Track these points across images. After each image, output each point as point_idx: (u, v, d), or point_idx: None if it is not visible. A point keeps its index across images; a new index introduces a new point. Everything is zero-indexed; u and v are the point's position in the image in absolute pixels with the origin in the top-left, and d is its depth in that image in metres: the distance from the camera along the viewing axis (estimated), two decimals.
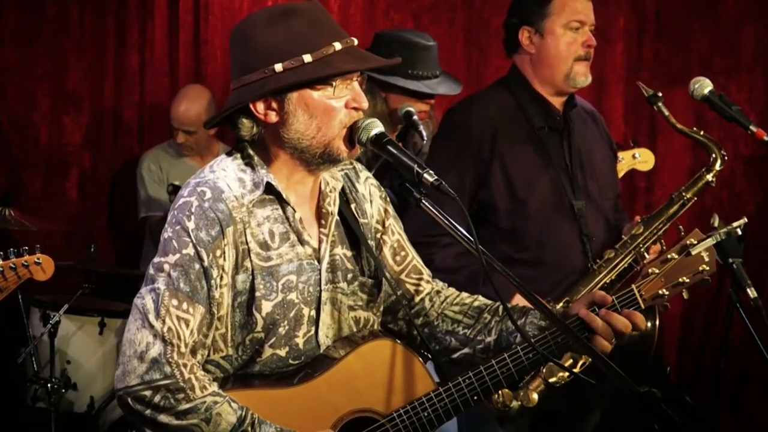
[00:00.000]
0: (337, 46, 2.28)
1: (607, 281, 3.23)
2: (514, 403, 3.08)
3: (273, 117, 2.30)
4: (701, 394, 5.46)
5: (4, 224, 4.38)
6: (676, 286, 2.47)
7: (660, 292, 2.46)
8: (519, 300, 2.93)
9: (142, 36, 5.37)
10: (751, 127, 3.25)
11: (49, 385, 4.32)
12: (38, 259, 3.37)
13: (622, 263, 3.25)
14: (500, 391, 3.02)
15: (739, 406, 5.57)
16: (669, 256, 2.47)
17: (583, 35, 3.31)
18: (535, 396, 3.09)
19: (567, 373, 3.09)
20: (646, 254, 3.27)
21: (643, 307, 2.44)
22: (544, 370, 3.09)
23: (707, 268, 2.48)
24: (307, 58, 2.25)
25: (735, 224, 2.64)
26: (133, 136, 5.44)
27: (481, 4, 5.61)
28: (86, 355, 4.51)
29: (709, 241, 2.48)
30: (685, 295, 2.51)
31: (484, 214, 3.26)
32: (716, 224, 3.85)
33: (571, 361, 3.07)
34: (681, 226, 2.57)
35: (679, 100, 5.16)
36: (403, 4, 5.58)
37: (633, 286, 2.45)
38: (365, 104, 2.33)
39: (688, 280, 2.48)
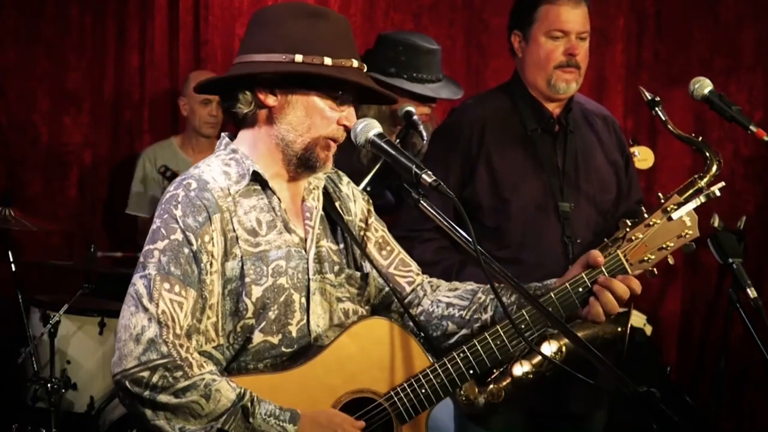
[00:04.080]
0: (355, 63, 2.37)
1: None
2: (480, 399, 3.09)
3: (271, 101, 2.37)
4: (701, 394, 5.46)
5: (4, 224, 4.38)
6: (661, 250, 2.50)
7: (645, 257, 2.49)
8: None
9: (142, 36, 5.38)
10: (751, 127, 3.25)
11: (49, 385, 4.32)
12: None
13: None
14: (464, 384, 3.04)
15: (738, 406, 5.57)
16: (651, 222, 2.49)
17: (566, 44, 3.30)
18: (502, 392, 3.10)
19: (532, 371, 3.11)
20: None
21: (630, 271, 2.48)
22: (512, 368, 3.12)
23: (690, 232, 2.52)
24: (328, 61, 2.34)
25: (714, 188, 2.65)
26: (133, 136, 5.44)
27: (481, 4, 5.61)
28: (86, 355, 4.50)
29: (690, 205, 2.52)
30: (671, 261, 2.53)
31: (468, 211, 3.27)
32: (716, 224, 3.84)
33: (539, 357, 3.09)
34: (660, 194, 2.58)
35: (679, 100, 5.17)
36: (403, 4, 5.58)
37: (618, 252, 2.47)
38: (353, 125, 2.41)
39: (672, 245, 2.51)
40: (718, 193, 2.62)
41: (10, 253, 4.46)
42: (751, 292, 3.35)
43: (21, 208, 4.56)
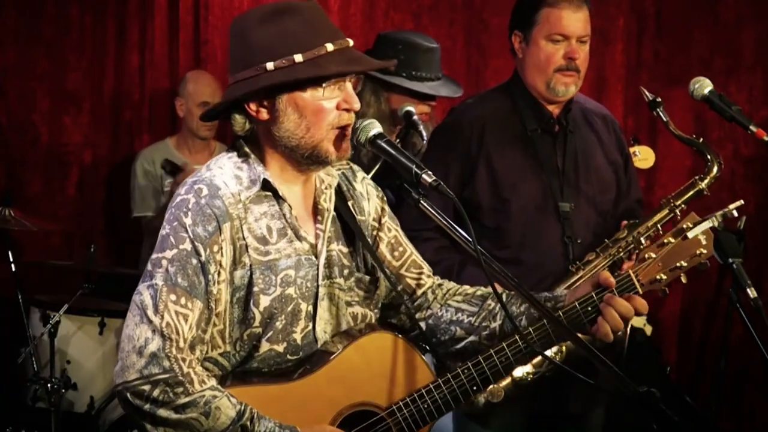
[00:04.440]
0: (329, 47, 2.29)
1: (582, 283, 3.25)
2: (480, 398, 3.09)
3: (264, 114, 2.33)
4: (701, 394, 5.46)
5: (4, 224, 4.38)
6: (674, 270, 2.46)
7: (657, 276, 2.45)
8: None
9: (142, 36, 5.37)
10: (751, 127, 3.25)
11: (49, 385, 4.32)
12: None
13: (601, 265, 3.26)
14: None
15: (738, 406, 5.56)
16: (666, 240, 2.46)
17: (566, 47, 3.29)
18: (501, 392, 3.10)
19: (532, 372, 3.11)
20: (627, 258, 3.29)
21: (641, 291, 2.44)
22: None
23: (704, 251, 2.47)
24: (298, 58, 2.27)
25: (731, 206, 2.62)
26: (133, 136, 5.44)
27: (481, 4, 5.61)
28: (86, 355, 4.50)
29: (706, 224, 2.47)
30: (684, 280, 2.49)
31: (468, 211, 3.26)
32: (716, 224, 3.84)
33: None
34: (678, 211, 2.55)
35: (679, 100, 5.16)
36: (403, 4, 5.58)
37: (630, 271, 2.44)
38: (357, 105, 2.34)
39: (685, 264, 2.46)
40: (735, 213, 2.60)
41: (10, 253, 4.46)
42: (751, 292, 3.35)
43: (21, 208, 4.56)
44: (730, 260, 3.42)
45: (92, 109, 5.35)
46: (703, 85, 3.32)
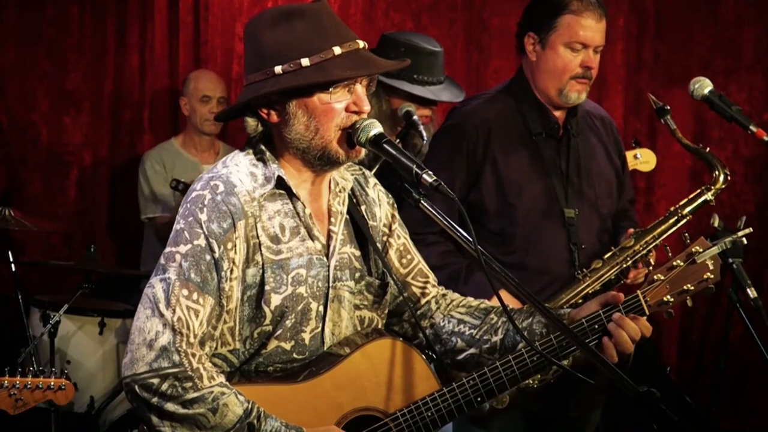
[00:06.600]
0: (337, 50, 2.29)
1: (590, 291, 3.23)
2: (485, 404, 3.08)
3: (275, 117, 2.34)
4: (701, 394, 5.46)
5: (4, 224, 4.38)
6: (681, 293, 2.48)
7: (665, 298, 2.47)
8: (495, 302, 2.96)
9: (142, 36, 5.38)
10: (751, 127, 3.25)
11: None
12: (63, 384, 3.39)
13: (608, 274, 3.25)
14: None
15: (739, 406, 5.57)
16: (674, 263, 2.47)
17: (584, 56, 3.27)
18: (506, 398, 3.08)
19: (538, 379, 3.10)
20: (633, 267, 3.28)
21: (647, 313, 2.46)
22: None
23: (712, 276, 2.49)
24: (305, 62, 2.27)
25: (741, 233, 2.64)
26: (133, 136, 5.44)
27: (481, 4, 5.61)
28: (86, 355, 4.50)
29: (715, 249, 2.49)
30: (689, 303, 2.50)
31: (473, 215, 3.25)
32: (716, 224, 3.84)
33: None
34: (687, 234, 2.56)
35: (679, 100, 5.16)
36: (403, 4, 5.58)
37: (638, 292, 2.45)
38: (367, 107, 2.34)
39: (693, 288, 2.48)
40: (744, 241, 2.62)
41: (10, 253, 4.46)
42: (751, 292, 3.35)
43: (21, 208, 4.56)
44: (730, 260, 3.43)
45: (92, 109, 5.35)
46: (703, 85, 3.32)
